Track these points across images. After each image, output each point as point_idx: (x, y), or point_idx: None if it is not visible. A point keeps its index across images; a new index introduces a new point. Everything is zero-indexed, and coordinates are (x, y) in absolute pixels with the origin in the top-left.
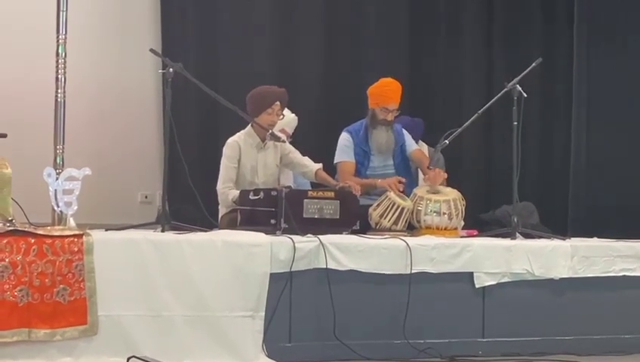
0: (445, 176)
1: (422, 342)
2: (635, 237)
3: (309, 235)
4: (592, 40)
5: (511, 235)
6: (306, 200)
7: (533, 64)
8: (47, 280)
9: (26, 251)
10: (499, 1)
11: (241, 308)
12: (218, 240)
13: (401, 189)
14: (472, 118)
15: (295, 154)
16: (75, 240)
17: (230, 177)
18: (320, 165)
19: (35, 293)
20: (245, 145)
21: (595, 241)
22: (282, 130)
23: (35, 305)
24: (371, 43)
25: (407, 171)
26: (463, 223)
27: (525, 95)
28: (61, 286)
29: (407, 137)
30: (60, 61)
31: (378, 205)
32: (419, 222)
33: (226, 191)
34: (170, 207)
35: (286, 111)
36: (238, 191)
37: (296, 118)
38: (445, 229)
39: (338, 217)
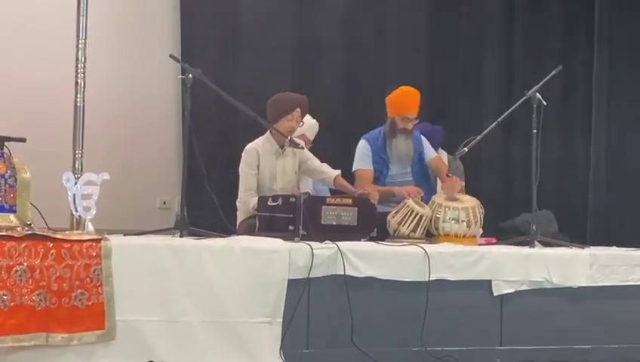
0: (462, 184)
1: (439, 349)
2: None
3: (327, 242)
4: (613, 46)
5: (530, 243)
6: (324, 206)
7: (553, 72)
8: (65, 285)
9: (45, 255)
10: (519, 8)
11: (259, 314)
12: (236, 246)
13: (419, 198)
14: (491, 126)
15: (314, 161)
16: (94, 244)
17: (251, 185)
18: (339, 172)
19: (52, 298)
20: (264, 152)
21: (614, 250)
22: (302, 136)
23: (52, 310)
24: (391, 50)
25: (425, 179)
26: (481, 231)
27: (545, 103)
28: (79, 290)
29: (426, 144)
30: (79, 66)
31: (397, 212)
32: (437, 229)
33: (248, 200)
34: (188, 213)
35: (307, 117)
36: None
37: (317, 123)
38: (464, 237)
39: (356, 224)
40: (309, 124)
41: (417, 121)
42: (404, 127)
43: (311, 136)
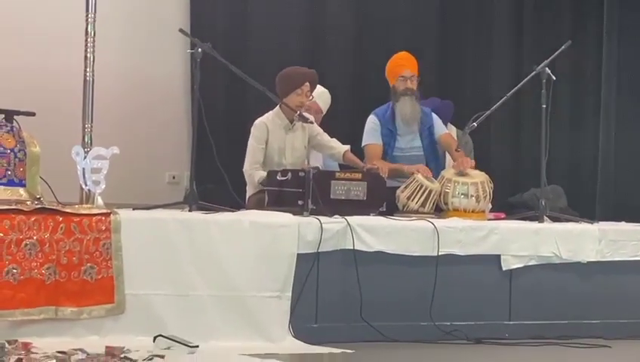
0: (473, 163)
1: (448, 324)
2: None
3: (336, 216)
4: (623, 20)
5: (539, 218)
6: (333, 181)
7: (563, 47)
8: (74, 259)
9: (54, 229)
10: None
11: (268, 289)
12: (246, 220)
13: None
14: (501, 101)
15: (323, 136)
16: (103, 218)
17: (257, 158)
18: (348, 147)
19: (62, 271)
20: (273, 126)
21: (623, 225)
22: (313, 104)
23: (62, 283)
24: (401, 25)
25: (434, 154)
26: (490, 206)
27: (554, 78)
28: (88, 264)
29: (436, 120)
30: (89, 40)
31: (406, 187)
32: (446, 204)
33: (253, 173)
34: (197, 187)
35: (317, 87)
36: (265, 173)
37: (327, 92)
38: (473, 212)
39: (365, 199)
40: (320, 92)
41: (418, 80)
42: (405, 87)
43: (322, 105)
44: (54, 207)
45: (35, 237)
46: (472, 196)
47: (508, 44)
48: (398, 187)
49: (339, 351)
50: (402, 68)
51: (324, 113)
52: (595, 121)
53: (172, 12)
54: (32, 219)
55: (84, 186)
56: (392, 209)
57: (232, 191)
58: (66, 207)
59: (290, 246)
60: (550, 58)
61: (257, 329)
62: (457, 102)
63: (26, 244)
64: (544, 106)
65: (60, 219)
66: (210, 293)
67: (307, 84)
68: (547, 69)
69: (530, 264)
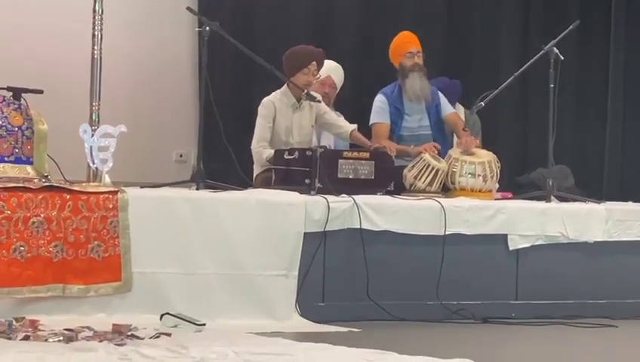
0: (477, 142)
1: (455, 303)
2: None
3: (343, 195)
4: (631, 1)
5: (546, 198)
6: (340, 160)
7: (571, 26)
8: (81, 237)
9: (61, 207)
10: None
11: (275, 267)
12: (253, 198)
13: (436, 153)
14: (508, 81)
15: (330, 115)
16: (110, 196)
17: (265, 136)
18: (355, 126)
19: (69, 249)
20: (281, 105)
21: (630, 205)
22: (328, 78)
23: (69, 261)
24: (409, 4)
25: (442, 133)
26: (497, 185)
27: (562, 57)
28: (95, 242)
29: (443, 99)
30: (96, 17)
31: (413, 166)
32: (453, 183)
33: (260, 150)
34: (204, 166)
35: (328, 62)
36: (272, 151)
37: (340, 67)
38: (480, 191)
39: (373, 178)
40: (333, 66)
41: (423, 56)
42: (413, 62)
43: (337, 79)
44: (62, 185)
45: (42, 215)
46: (479, 175)
47: (516, 23)
48: (406, 166)
49: (345, 329)
50: (408, 45)
51: (338, 90)
52: (602, 101)
53: None
54: (40, 197)
55: (91, 164)
56: (399, 188)
57: (239, 170)
58: (73, 185)
59: (297, 225)
60: (558, 37)
61: (264, 308)
62: (465, 82)
63: (34, 222)
64: (552, 86)
65: (68, 197)
66: (217, 272)
67: (314, 63)
68: (555, 48)
69: (537, 244)
